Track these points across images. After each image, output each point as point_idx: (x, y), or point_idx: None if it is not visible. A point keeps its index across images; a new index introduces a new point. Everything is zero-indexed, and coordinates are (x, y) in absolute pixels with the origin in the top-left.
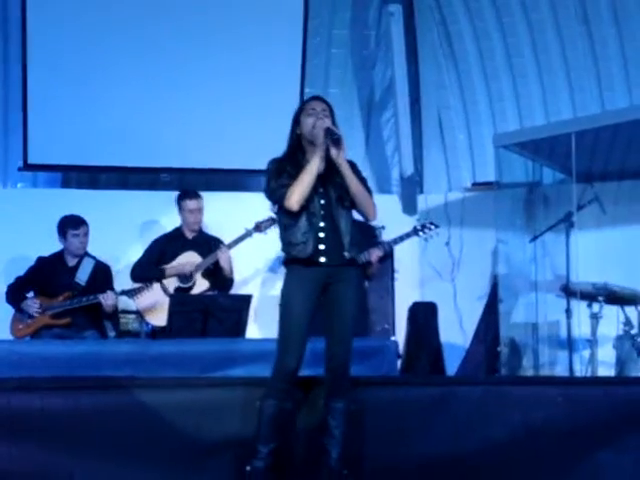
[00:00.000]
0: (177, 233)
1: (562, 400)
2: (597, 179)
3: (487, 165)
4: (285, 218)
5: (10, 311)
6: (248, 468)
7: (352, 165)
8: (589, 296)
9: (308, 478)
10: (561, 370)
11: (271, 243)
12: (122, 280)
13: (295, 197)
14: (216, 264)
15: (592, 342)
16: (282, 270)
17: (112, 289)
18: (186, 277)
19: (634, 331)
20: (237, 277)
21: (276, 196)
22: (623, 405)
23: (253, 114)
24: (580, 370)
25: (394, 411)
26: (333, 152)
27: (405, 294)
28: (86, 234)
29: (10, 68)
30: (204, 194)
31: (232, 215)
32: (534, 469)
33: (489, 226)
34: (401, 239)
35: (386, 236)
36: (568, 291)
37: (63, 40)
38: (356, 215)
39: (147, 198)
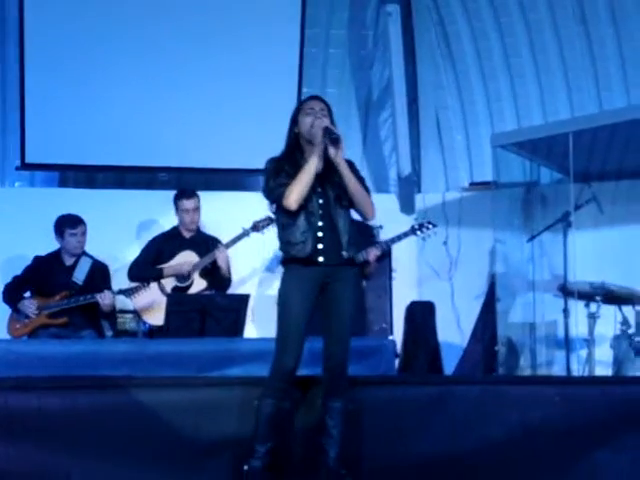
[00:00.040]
0: (174, 232)
1: (559, 400)
2: (595, 179)
3: (485, 165)
4: (283, 217)
5: (7, 310)
6: (246, 467)
7: (350, 164)
8: (586, 296)
9: (306, 477)
10: (558, 370)
11: (269, 243)
12: (120, 279)
13: (294, 196)
14: (214, 263)
15: (589, 342)
16: (279, 270)
17: (109, 288)
18: (183, 277)
19: (631, 331)
20: (235, 277)
21: (274, 195)
22: (620, 405)
23: (251, 114)
24: (577, 370)
25: (392, 410)
26: (331, 151)
27: (403, 293)
28: (83, 233)
29: (8, 67)
30: (202, 193)
31: (230, 214)
32: (531, 468)
33: (487, 226)
34: (399, 238)
35: (384, 235)
36: (565, 291)
37: (61, 39)
38: (354, 214)
39: (145, 197)
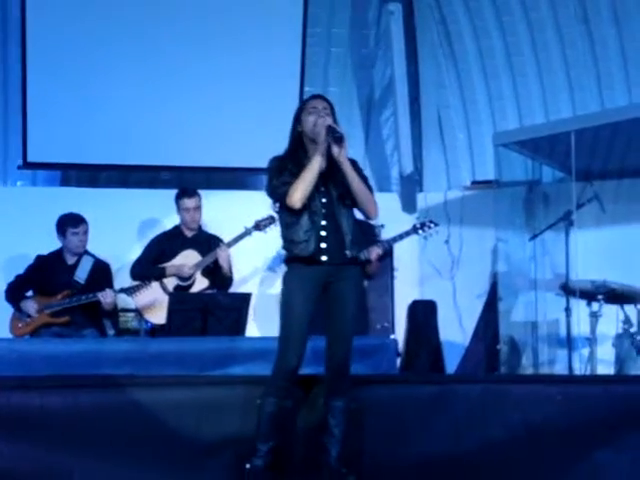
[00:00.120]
0: (176, 231)
1: (561, 398)
2: (597, 177)
3: (487, 164)
4: (287, 216)
5: (9, 309)
6: (247, 466)
7: (353, 163)
8: (588, 295)
9: (307, 476)
10: (560, 368)
11: (271, 242)
12: (122, 278)
13: (297, 195)
14: (215, 262)
15: (591, 340)
16: (281, 269)
17: (111, 287)
18: (185, 277)
19: (633, 329)
20: (236, 275)
21: (278, 194)
22: (622, 403)
23: (253, 113)
24: (579, 368)
25: (394, 410)
26: (335, 150)
27: (404, 292)
28: (85, 232)
29: (10, 67)
30: (204, 192)
31: (232, 213)
32: (533, 467)
33: (489, 224)
34: (400, 237)
35: (386, 234)
36: (568, 290)
37: (63, 40)
38: (357, 213)
39: (147, 196)
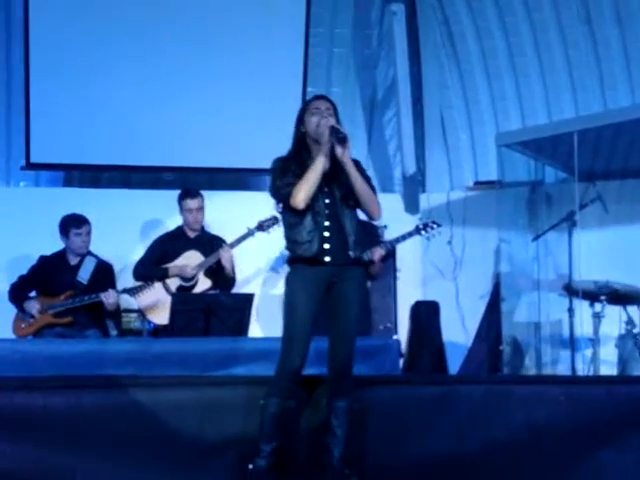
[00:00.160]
0: (179, 232)
1: (564, 399)
2: (599, 178)
3: (489, 164)
4: (290, 217)
5: (12, 310)
6: (250, 466)
7: (356, 163)
8: (591, 295)
9: (310, 477)
10: (563, 369)
11: (273, 242)
12: (124, 279)
13: (301, 195)
14: (218, 263)
15: (594, 341)
16: (284, 269)
17: (114, 288)
18: (188, 277)
19: (636, 330)
20: (239, 276)
21: (281, 194)
22: (625, 404)
23: (256, 113)
24: (582, 369)
25: (396, 410)
26: (338, 151)
27: (407, 293)
28: (88, 233)
29: (13, 68)
30: (207, 193)
31: (234, 214)
32: (536, 468)
33: (491, 225)
34: (403, 238)
35: (388, 235)
36: (570, 290)
37: (65, 40)
38: (359, 214)
39: (149, 197)
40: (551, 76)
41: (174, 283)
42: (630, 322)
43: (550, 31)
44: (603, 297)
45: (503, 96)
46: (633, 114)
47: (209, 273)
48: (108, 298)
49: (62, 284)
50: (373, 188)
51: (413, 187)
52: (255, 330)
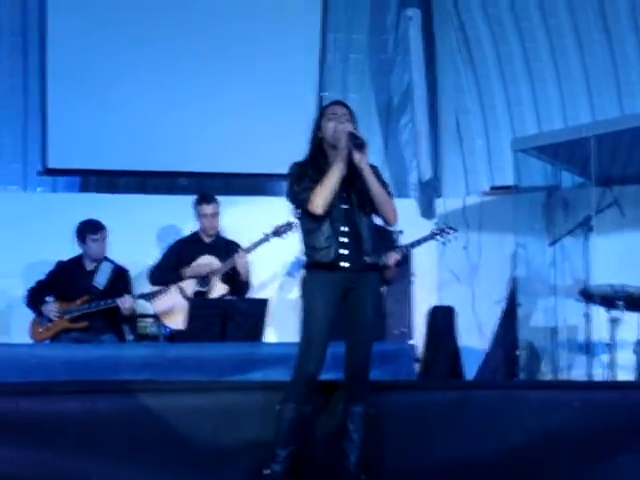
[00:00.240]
0: (195, 237)
1: (580, 405)
2: (616, 183)
3: (505, 169)
4: (308, 222)
5: (29, 315)
6: (266, 472)
7: (374, 169)
8: (608, 300)
9: None
10: (580, 374)
11: (289, 247)
12: (140, 284)
13: (319, 200)
14: (233, 268)
15: (611, 346)
16: (299, 274)
17: (130, 293)
18: (204, 280)
19: None
20: (255, 281)
21: (299, 200)
22: None
23: (271, 118)
24: (599, 374)
25: (412, 415)
26: (356, 156)
27: (423, 298)
28: (105, 239)
29: (30, 73)
30: (222, 198)
31: (250, 219)
32: (552, 473)
33: (508, 230)
34: (419, 243)
35: (404, 240)
36: (587, 295)
37: (82, 47)
38: (375, 219)
39: (165, 202)
40: (567, 81)
41: (190, 288)
42: None
43: (566, 37)
44: (620, 302)
45: (519, 101)
46: None
47: (226, 279)
48: (124, 303)
49: (78, 289)
50: (390, 194)
51: (429, 192)
52: (270, 335)
